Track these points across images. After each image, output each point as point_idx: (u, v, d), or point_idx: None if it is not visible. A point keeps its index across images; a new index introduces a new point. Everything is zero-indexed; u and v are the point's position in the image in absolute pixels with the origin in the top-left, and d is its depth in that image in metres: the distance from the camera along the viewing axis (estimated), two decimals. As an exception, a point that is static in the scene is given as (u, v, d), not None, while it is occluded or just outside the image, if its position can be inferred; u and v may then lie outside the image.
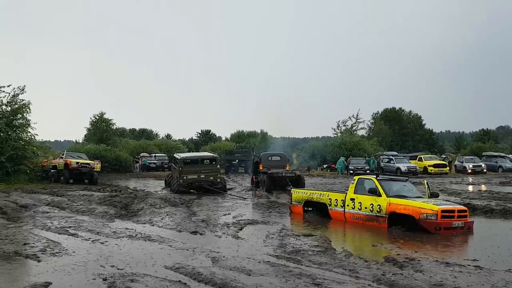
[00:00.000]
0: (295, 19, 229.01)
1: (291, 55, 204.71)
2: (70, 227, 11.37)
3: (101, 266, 7.41)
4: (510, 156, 43.28)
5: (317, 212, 13.67)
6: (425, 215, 10.54)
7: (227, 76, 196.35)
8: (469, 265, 7.32)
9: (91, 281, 6.56)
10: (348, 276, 6.77)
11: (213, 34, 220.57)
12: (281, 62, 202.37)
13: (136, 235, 10.24)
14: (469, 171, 37.75)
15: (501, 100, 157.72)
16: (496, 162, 40.94)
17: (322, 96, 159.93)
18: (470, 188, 24.82)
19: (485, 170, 37.94)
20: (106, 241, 9.58)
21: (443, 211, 10.58)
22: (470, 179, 31.66)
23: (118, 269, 7.19)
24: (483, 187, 24.95)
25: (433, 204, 10.88)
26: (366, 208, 11.91)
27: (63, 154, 28.77)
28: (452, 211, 10.82)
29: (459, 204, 12.91)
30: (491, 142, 60.09)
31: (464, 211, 11.10)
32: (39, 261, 7.82)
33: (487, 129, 71.95)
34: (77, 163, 26.72)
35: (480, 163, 39.16)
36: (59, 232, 10.66)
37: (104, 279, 6.55)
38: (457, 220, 10.70)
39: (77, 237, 10.14)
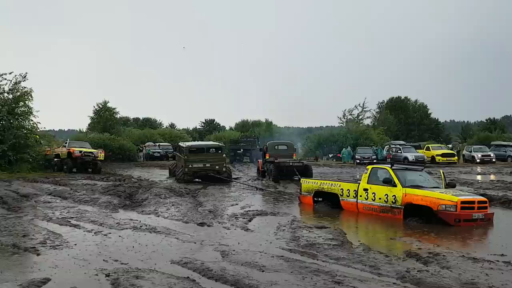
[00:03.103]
0: (300, 7, 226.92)
1: (296, 44, 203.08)
2: (72, 217, 10.94)
3: (103, 260, 6.95)
4: (519, 145, 42.50)
5: (328, 203, 13.16)
6: (443, 206, 10.00)
7: (232, 64, 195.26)
8: (497, 260, 6.81)
9: (93, 277, 6.10)
10: (370, 273, 6.27)
11: (218, 23, 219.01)
12: (286, 50, 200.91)
13: (140, 226, 9.79)
14: (478, 160, 37.06)
15: (506, 89, 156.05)
16: (505, 152, 40.16)
17: (327, 85, 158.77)
18: (480, 178, 24.28)
19: (494, 160, 37.24)
20: (109, 233, 9.13)
21: (462, 202, 10.04)
22: (480, 169, 31.05)
23: (122, 263, 6.74)
24: (493, 177, 24.41)
25: (452, 194, 10.34)
26: (380, 199, 11.40)
27: (66, 143, 28.35)
28: (472, 202, 10.28)
29: (477, 194, 12.37)
30: (498, 131, 59.27)
31: (484, 202, 10.56)
32: (38, 254, 7.38)
33: (494, 118, 71.14)
34: (80, 151, 26.26)
35: (489, 153, 38.45)
36: (61, 223, 10.23)
37: (107, 275, 6.09)
38: (478, 212, 10.16)
39: (79, 228, 9.70)
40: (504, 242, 8.50)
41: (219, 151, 21.63)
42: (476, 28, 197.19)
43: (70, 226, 9.94)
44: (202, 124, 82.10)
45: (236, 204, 13.60)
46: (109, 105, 46.70)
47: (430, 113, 71.74)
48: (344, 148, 40.24)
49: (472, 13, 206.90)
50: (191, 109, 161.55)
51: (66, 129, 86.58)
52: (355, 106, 55.25)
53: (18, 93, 26.72)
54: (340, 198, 12.57)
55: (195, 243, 8.25)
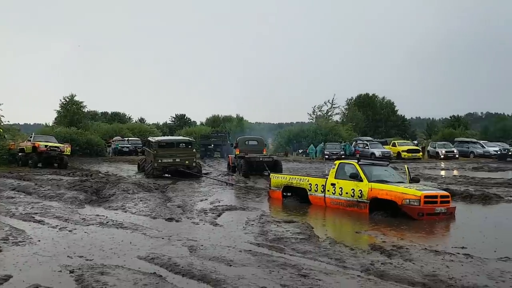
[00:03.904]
0: (272, 4, 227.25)
1: (267, 40, 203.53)
2: (36, 213, 10.68)
3: (68, 256, 6.83)
4: (481, 142, 44.05)
5: (296, 198, 13.30)
6: (408, 200, 10.28)
7: (203, 59, 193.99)
8: (458, 253, 7.06)
9: (57, 274, 5.99)
10: (335, 265, 6.40)
11: (189, 18, 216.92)
12: (258, 47, 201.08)
13: (107, 222, 9.65)
14: (442, 156, 38.23)
15: (470, 88, 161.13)
16: (468, 148, 41.63)
17: (298, 81, 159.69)
18: (444, 173, 25.04)
19: (457, 156, 38.48)
20: (75, 229, 8.96)
21: (426, 196, 10.33)
22: (443, 165, 32.01)
23: (87, 260, 6.63)
24: (456, 172, 25.21)
25: (416, 189, 10.63)
26: (347, 193, 11.60)
27: (31, 137, 27.56)
28: (435, 196, 10.59)
29: (440, 189, 12.76)
30: (461, 128, 61.12)
31: (447, 196, 10.90)
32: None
33: (457, 115, 73.19)
34: (46, 146, 25.56)
35: (453, 149, 39.70)
36: (24, 219, 9.97)
37: (71, 272, 5.99)
38: (440, 206, 10.48)
39: (43, 224, 9.48)
40: (465, 235, 8.81)
41: (189, 146, 21.52)
42: (441, 27, 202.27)
43: (34, 222, 9.71)
44: (173, 119, 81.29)
45: (206, 199, 13.58)
46: (76, 98, 45.73)
47: (397, 110, 73.21)
48: (312, 145, 40.83)
49: (438, 12, 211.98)
50: (161, 104, 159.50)
51: (31, 123, 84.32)
52: (325, 102, 56.07)
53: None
54: (309, 192, 12.72)
55: (162, 238, 8.20)
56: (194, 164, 20.89)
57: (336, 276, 5.87)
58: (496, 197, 13.68)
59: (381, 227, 9.54)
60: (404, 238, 8.31)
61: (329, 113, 56.50)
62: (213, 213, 10.96)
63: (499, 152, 37.80)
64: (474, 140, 45.50)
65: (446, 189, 13.45)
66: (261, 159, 21.60)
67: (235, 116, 68.21)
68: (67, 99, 45.63)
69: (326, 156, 36.26)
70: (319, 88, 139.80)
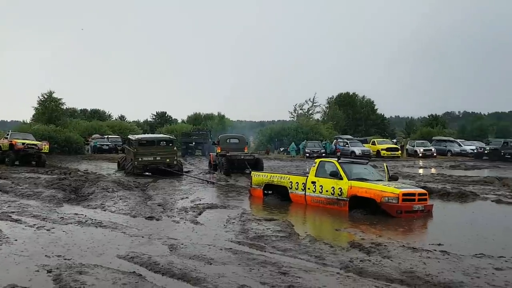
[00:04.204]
0: (252, 3, 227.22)
1: (248, 39, 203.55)
2: (13, 212, 10.48)
3: (46, 256, 6.73)
4: (458, 140, 44.95)
5: (277, 196, 13.37)
6: (386, 198, 10.43)
7: (184, 57, 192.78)
8: (435, 250, 7.19)
9: (34, 274, 5.90)
10: (315, 263, 6.47)
11: (170, 14, 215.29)
12: (239, 45, 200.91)
13: (86, 221, 9.53)
14: (420, 154, 38.93)
15: (448, 87, 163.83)
16: (446, 146, 42.43)
17: (278, 80, 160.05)
18: (422, 171, 25.45)
19: (435, 154, 39.21)
20: (53, 228, 8.84)
21: (404, 194, 10.50)
22: (421, 163, 32.54)
23: (65, 259, 6.55)
24: (434, 170, 25.67)
25: (394, 187, 10.79)
26: (327, 191, 11.71)
27: (8, 134, 27.00)
28: (413, 194, 10.77)
29: (418, 187, 12.97)
30: (439, 127, 62.17)
31: (424, 194, 11.10)
32: (-26, 251, 7.03)
33: (435, 114, 74.37)
34: (23, 143, 25.08)
35: (431, 147, 40.43)
36: (1, 218, 9.77)
37: (49, 271, 5.91)
38: (418, 204, 10.66)
39: (21, 223, 9.32)
40: (442, 233, 9.00)
41: (170, 144, 21.41)
42: (421, 28, 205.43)
43: (10, 221, 9.52)
44: (154, 117, 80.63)
45: (187, 198, 13.53)
46: (54, 95, 44.95)
47: (377, 109, 74.04)
48: (293, 143, 41.15)
49: (417, 12, 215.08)
50: (142, 101, 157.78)
51: (8, 120, 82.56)
52: (306, 101, 56.39)
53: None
54: (289, 190, 12.79)
55: (142, 237, 8.15)
56: (175, 162, 20.77)
57: (315, 274, 5.93)
58: (472, 195, 13.99)
59: (360, 224, 9.67)
60: (382, 236, 8.44)
61: (310, 112, 56.90)
62: (194, 212, 10.93)
63: (475, 151, 38.80)
64: (452, 139, 46.41)
65: (424, 187, 13.69)
66: (242, 157, 21.63)
67: (217, 114, 68.07)
68: (45, 96, 44.78)
69: (307, 154, 36.52)
70: (300, 87, 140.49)
